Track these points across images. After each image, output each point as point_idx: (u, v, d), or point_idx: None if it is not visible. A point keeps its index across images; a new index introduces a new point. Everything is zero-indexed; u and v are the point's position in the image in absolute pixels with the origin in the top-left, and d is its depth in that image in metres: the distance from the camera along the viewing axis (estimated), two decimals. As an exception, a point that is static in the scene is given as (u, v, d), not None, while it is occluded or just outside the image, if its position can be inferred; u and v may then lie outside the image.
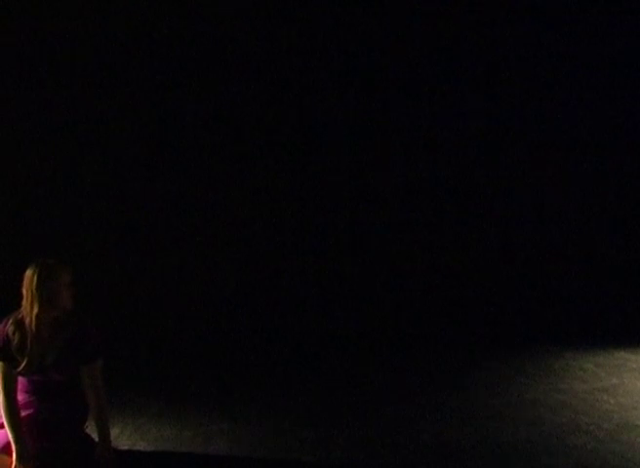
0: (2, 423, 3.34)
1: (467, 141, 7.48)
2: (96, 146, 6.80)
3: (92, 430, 3.55)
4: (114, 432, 4.02)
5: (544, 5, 7.52)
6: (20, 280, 3.39)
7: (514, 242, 7.62)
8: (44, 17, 6.61)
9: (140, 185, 6.88)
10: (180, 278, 6.95)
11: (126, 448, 3.98)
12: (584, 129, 7.69)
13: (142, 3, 6.82)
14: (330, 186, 7.26)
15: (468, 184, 7.50)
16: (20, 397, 3.38)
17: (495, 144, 7.56)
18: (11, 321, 3.35)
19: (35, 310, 3.29)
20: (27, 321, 3.31)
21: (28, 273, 3.35)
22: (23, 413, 3.32)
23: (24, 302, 3.34)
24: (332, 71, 7.24)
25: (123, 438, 4.14)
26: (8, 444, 3.27)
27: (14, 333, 3.31)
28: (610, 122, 7.73)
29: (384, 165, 7.37)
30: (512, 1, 7.54)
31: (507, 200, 7.59)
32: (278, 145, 7.17)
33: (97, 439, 3.46)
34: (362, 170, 7.33)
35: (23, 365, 3.30)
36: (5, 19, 6.56)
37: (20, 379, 3.39)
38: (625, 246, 7.82)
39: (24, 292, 3.34)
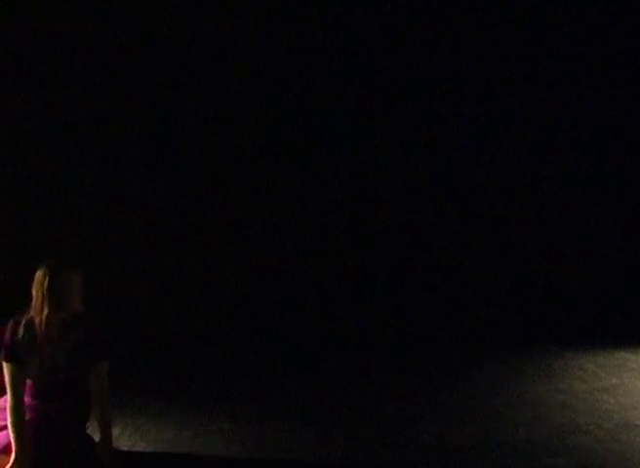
0: (3, 425, 3.33)
1: (467, 141, 7.48)
2: (96, 146, 6.80)
3: (92, 430, 3.55)
4: (114, 432, 4.00)
5: (544, 5, 7.52)
6: (21, 279, 3.37)
7: (514, 242, 7.62)
8: (44, 17, 6.61)
9: (140, 185, 6.88)
10: (180, 278, 6.96)
11: (126, 448, 3.99)
12: (584, 129, 7.69)
13: (142, 3, 6.83)
14: (330, 186, 7.27)
15: (468, 184, 7.51)
16: (25, 400, 3.36)
17: (495, 144, 7.56)
18: (20, 321, 3.31)
19: (45, 311, 3.26)
20: (37, 321, 3.28)
21: (39, 274, 3.30)
22: (27, 416, 3.31)
23: (34, 303, 3.30)
24: (332, 71, 7.24)
25: (123, 438, 4.14)
26: (8, 444, 3.26)
27: (23, 334, 3.28)
28: (610, 122, 7.73)
29: (384, 165, 7.38)
30: (512, 1, 7.55)
31: (507, 200, 7.59)
32: (278, 145, 7.18)
33: (97, 439, 3.46)
34: (362, 170, 7.33)
35: (35, 365, 3.28)
36: (5, 19, 6.56)
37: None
38: (625, 246, 7.82)
39: (35, 292, 3.30)
